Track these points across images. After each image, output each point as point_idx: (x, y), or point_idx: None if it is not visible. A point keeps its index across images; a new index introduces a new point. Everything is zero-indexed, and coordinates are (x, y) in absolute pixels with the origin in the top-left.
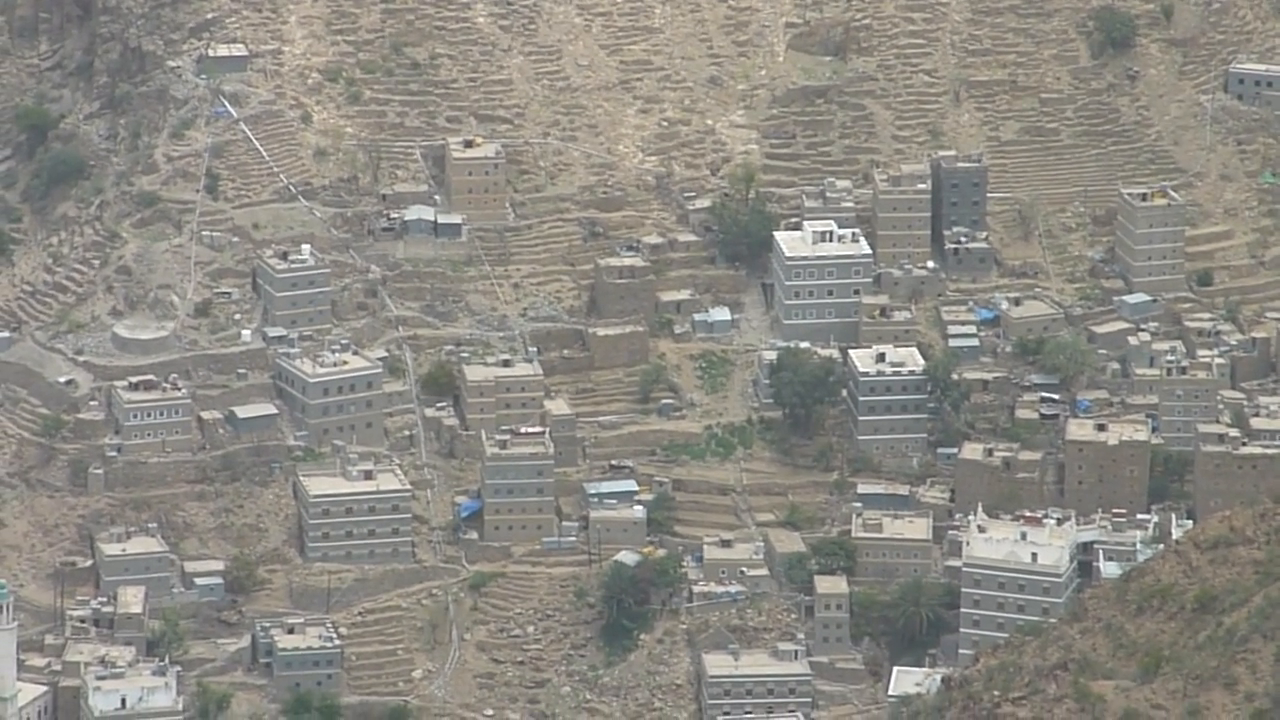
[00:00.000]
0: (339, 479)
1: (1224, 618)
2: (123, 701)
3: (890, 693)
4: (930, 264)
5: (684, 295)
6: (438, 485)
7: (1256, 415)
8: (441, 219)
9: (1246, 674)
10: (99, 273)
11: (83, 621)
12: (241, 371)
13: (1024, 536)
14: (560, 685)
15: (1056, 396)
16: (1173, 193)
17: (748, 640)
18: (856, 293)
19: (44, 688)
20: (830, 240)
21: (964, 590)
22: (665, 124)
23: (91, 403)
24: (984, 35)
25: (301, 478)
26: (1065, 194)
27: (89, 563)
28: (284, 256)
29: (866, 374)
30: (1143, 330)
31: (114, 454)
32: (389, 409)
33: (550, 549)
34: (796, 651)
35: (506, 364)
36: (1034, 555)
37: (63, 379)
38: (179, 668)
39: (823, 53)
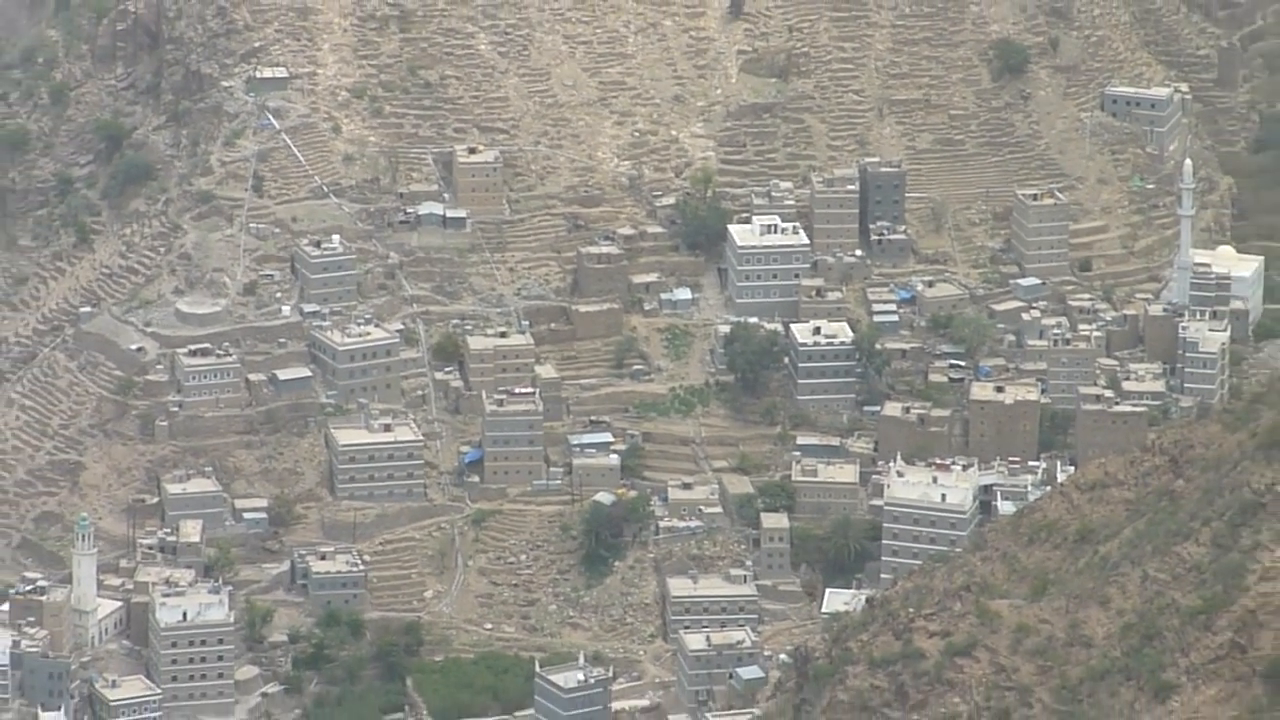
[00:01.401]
0: (363, 431)
1: (1099, 547)
2: (184, 615)
3: (823, 610)
4: (858, 252)
5: (652, 278)
6: (445, 437)
7: (1127, 380)
8: (449, 213)
9: (1118, 594)
10: (164, 258)
11: (150, 549)
12: (282, 341)
13: (935, 480)
14: (548, 604)
15: (962, 363)
16: (1058, 194)
17: (704, 567)
18: (796, 276)
19: (119, 603)
20: (775, 232)
21: (885, 525)
22: (637, 134)
23: (158, 367)
24: (903, 61)
25: (332, 430)
26: (970, 194)
27: (155, 500)
28: (317, 245)
29: (804, 344)
30: (1034, 308)
31: (176, 409)
32: (405, 373)
33: (539, 490)
34: (745, 576)
35: (503, 335)
36: (943, 496)
37: (134, 347)
38: (230, 587)
39: (769, 75)
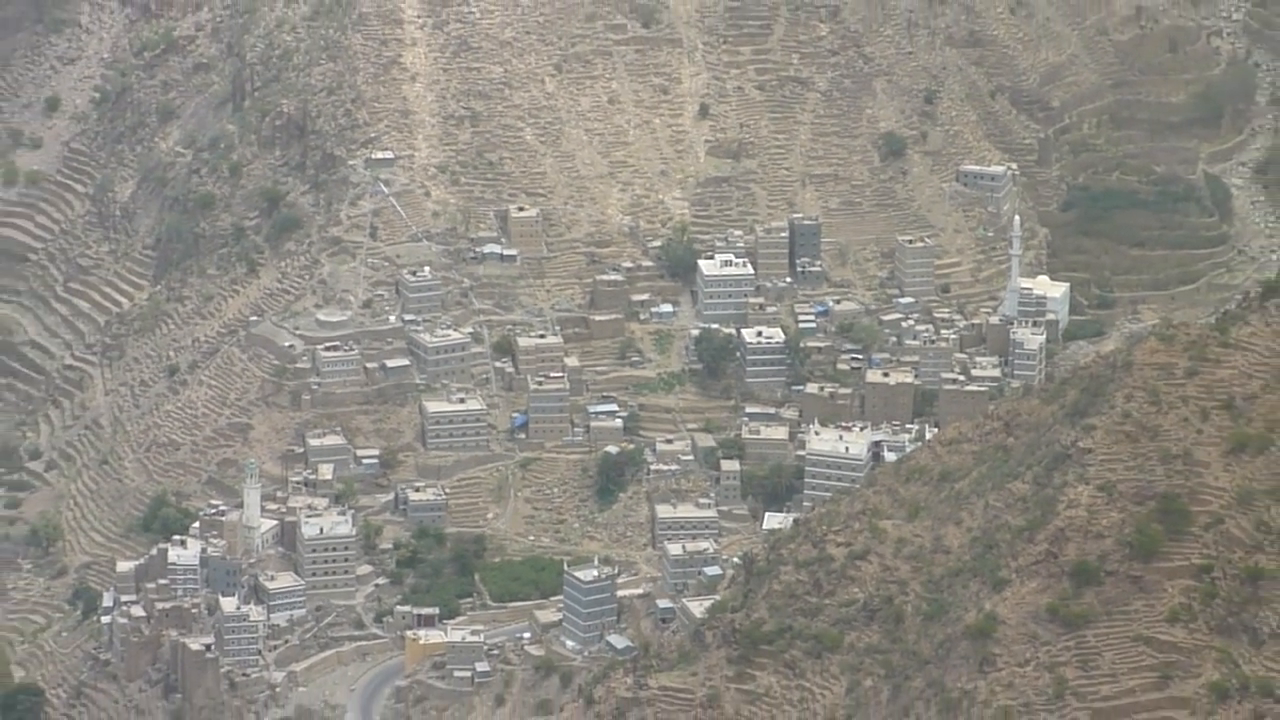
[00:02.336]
0: (445, 403)
1: (955, 484)
2: (320, 530)
3: (763, 528)
4: (788, 280)
5: (645, 297)
6: (501, 407)
7: (974, 369)
8: (504, 252)
9: (968, 517)
10: (307, 283)
11: (298, 484)
12: (389, 340)
13: (841, 438)
14: (572, 523)
15: (860, 357)
16: (927, 239)
17: (681, 497)
18: (745, 296)
19: (275, 522)
20: (730, 266)
21: (807, 469)
22: (635, 197)
23: (303, 358)
24: (819, 146)
25: (423, 402)
26: (865, 240)
27: (301, 450)
28: (414, 274)
29: (751, 343)
30: (909, 319)
31: (316, 387)
32: (474, 363)
33: (567, 444)
34: (709, 504)
35: (542, 337)
36: (847, 448)
37: (287, 344)
38: (352, 511)
39: (726, 157)
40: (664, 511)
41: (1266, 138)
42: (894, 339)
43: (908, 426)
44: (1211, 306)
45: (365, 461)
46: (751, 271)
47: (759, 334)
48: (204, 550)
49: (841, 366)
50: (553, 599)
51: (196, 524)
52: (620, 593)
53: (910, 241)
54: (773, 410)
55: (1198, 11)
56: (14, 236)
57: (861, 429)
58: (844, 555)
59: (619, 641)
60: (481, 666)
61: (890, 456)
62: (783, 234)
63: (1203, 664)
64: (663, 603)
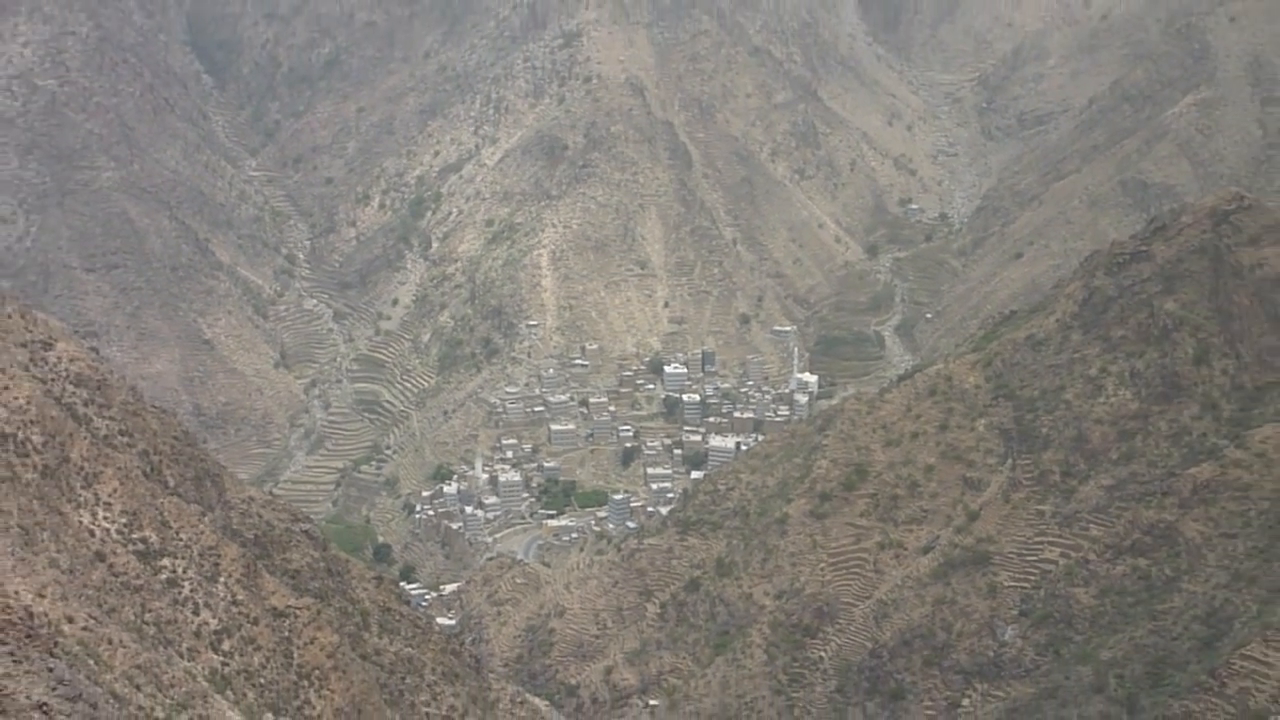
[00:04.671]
0: (561, 425)
1: (771, 459)
2: (506, 479)
3: (691, 477)
4: (700, 374)
5: (640, 380)
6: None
7: (778, 413)
8: (581, 362)
9: (775, 471)
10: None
11: (499, 457)
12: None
13: (724, 439)
14: (610, 476)
15: (731, 405)
16: (757, 358)
17: (656, 463)
18: (684, 381)
19: (487, 474)
20: (678, 368)
21: (710, 452)
22: (638, 339)
23: (511, 408)
24: (715, 322)
25: (550, 426)
26: (732, 359)
27: (499, 444)
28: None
29: (689, 401)
30: (750, 390)
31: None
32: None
33: (610, 443)
34: (669, 470)
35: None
36: (726, 444)
37: (494, 401)
38: (520, 468)
39: (674, 323)
40: (652, 470)
41: (900, 312)
42: (747, 399)
43: (751, 436)
44: (876, 387)
45: (522, 449)
46: (685, 370)
47: (694, 397)
48: (459, 486)
49: (725, 411)
50: (603, 508)
51: (455, 475)
52: (632, 503)
53: (752, 359)
54: (700, 429)
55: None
56: None
57: (732, 437)
58: (725, 488)
59: (631, 525)
60: (572, 535)
61: (744, 446)
62: (698, 355)
63: None
64: (649, 509)
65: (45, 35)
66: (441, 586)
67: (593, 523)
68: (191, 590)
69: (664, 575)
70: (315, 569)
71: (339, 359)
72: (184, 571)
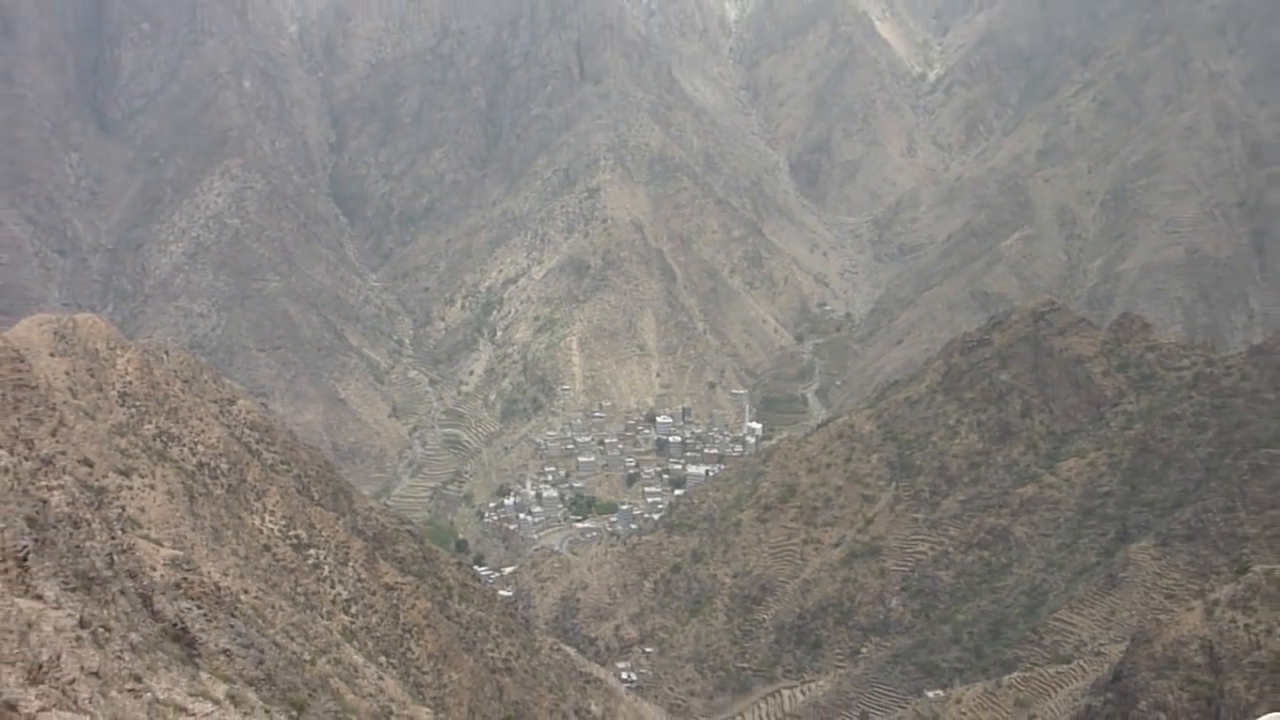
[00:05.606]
0: (590, 456)
1: (729, 482)
2: (542, 493)
3: (675, 494)
4: (683, 420)
5: (640, 426)
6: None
7: (735, 449)
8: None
9: (729, 488)
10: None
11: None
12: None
13: (698, 467)
14: (617, 494)
15: (703, 443)
16: (720, 411)
17: (649, 485)
18: (671, 428)
19: (534, 491)
20: (668, 419)
21: (689, 475)
22: (637, 399)
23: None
24: (692, 394)
25: (579, 458)
26: (703, 414)
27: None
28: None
29: (673, 440)
30: (714, 433)
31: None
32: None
33: (620, 470)
34: (658, 489)
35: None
36: (699, 471)
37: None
38: (555, 485)
39: (663, 389)
40: (648, 489)
41: (818, 380)
42: (713, 440)
43: (716, 465)
44: (802, 432)
45: (558, 474)
46: (671, 420)
47: (677, 438)
48: (514, 499)
49: (698, 448)
50: (614, 515)
51: (512, 492)
52: (634, 512)
53: (717, 413)
54: (681, 461)
55: None
56: None
57: (703, 466)
58: (698, 501)
59: (633, 527)
60: (592, 534)
61: (711, 473)
62: (680, 410)
63: None
64: (646, 516)
65: (232, 189)
66: (502, 569)
67: (607, 525)
68: (329, 571)
69: (656, 561)
70: (414, 557)
71: (432, 412)
72: (324, 558)
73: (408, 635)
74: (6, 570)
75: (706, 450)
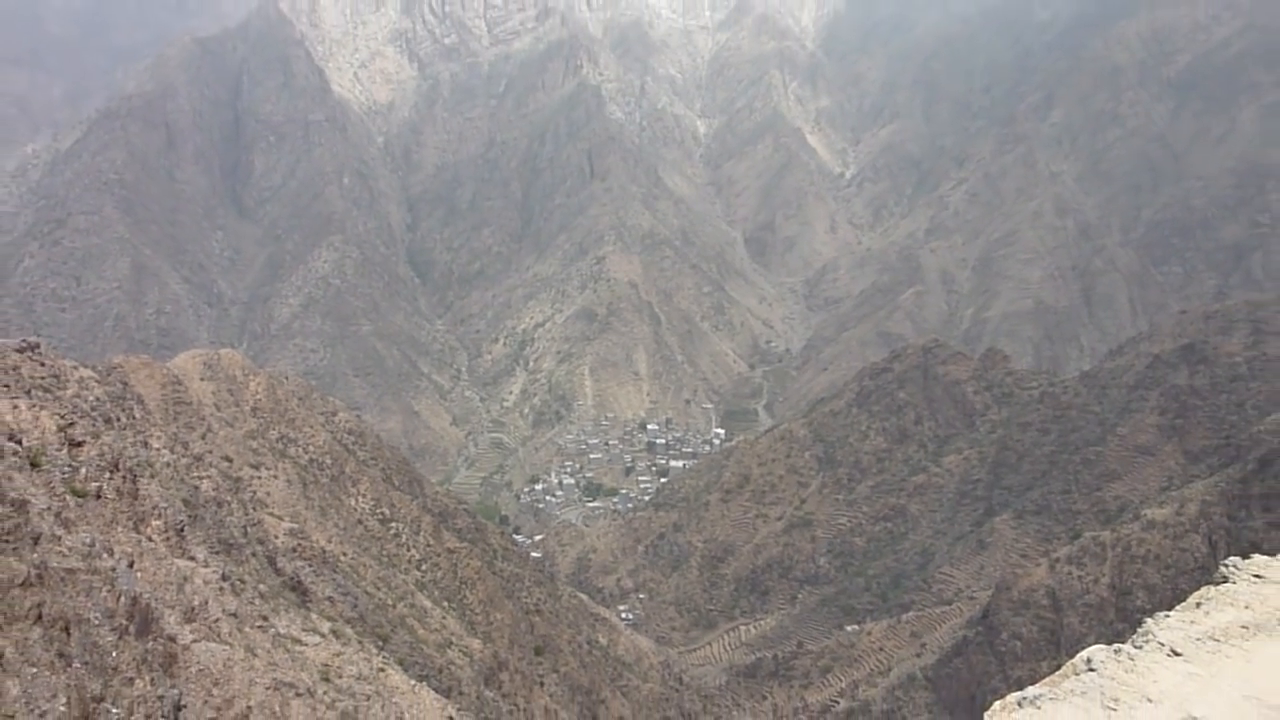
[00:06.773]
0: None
1: (701, 473)
2: (561, 481)
3: (661, 480)
4: (666, 423)
5: (638, 432)
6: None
7: (704, 450)
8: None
9: (701, 476)
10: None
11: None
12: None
13: (678, 463)
14: (619, 482)
15: (684, 444)
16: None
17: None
18: (659, 432)
19: (542, 484)
20: (656, 426)
21: (671, 468)
22: (633, 413)
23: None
24: (678, 411)
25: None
26: (686, 425)
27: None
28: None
29: (658, 442)
30: (690, 438)
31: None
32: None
33: (623, 463)
34: (649, 481)
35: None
36: (677, 466)
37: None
38: (571, 476)
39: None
40: (641, 478)
41: (766, 398)
42: (689, 442)
43: (691, 460)
44: (754, 436)
45: (575, 467)
46: (658, 427)
47: (662, 441)
48: (543, 486)
49: (677, 448)
50: (615, 498)
51: (541, 480)
52: (630, 495)
53: (691, 422)
54: (665, 457)
55: None
56: None
57: (681, 461)
58: (677, 487)
59: (630, 506)
60: (599, 511)
61: (687, 466)
62: (664, 420)
63: None
64: (640, 498)
65: (335, 258)
66: (534, 537)
67: (611, 505)
68: (405, 539)
69: (646, 531)
70: (469, 528)
71: (482, 421)
72: (402, 529)
73: (464, 586)
74: (169, 538)
75: (684, 449)
